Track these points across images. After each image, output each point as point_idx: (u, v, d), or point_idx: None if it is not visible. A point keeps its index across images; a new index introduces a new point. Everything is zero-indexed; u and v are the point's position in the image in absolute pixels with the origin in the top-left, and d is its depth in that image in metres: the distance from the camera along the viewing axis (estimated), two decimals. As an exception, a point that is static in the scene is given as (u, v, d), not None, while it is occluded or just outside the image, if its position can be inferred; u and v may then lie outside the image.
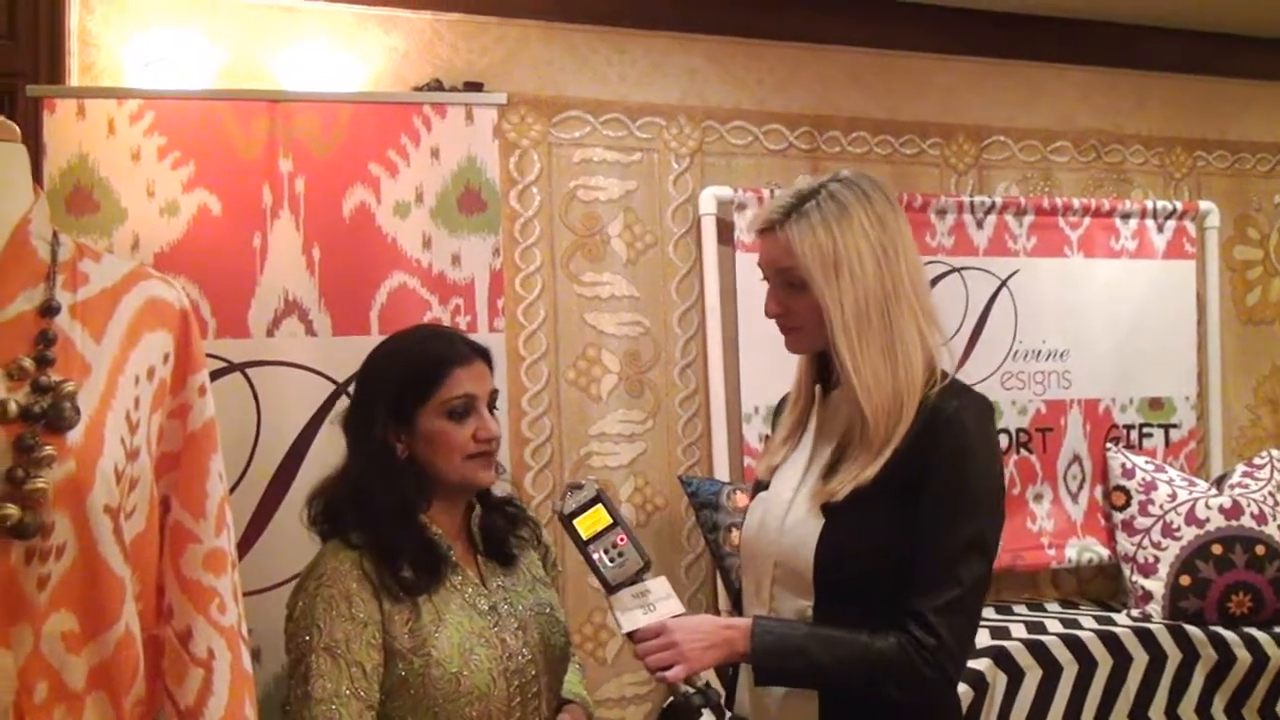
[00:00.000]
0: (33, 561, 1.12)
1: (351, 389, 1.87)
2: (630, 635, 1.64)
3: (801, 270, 1.64)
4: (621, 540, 1.68)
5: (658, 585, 1.68)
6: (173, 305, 1.30)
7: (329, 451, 2.39)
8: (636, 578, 1.67)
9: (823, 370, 1.75)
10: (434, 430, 1.71)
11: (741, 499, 3.01)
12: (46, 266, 1.22)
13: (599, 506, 1.71)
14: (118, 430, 1.19)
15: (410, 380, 1.72)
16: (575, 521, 1.70)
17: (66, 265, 1.24)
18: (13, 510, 1.09)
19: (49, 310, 1.19)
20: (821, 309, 1.63)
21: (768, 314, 1.74)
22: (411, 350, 1.78)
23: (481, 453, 1.74)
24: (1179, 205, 3.72)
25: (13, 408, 1.12)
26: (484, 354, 1.79)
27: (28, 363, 1.15)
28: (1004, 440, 3.47)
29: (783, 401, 1.89)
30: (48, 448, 1.12)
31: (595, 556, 1.67)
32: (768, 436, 1.94)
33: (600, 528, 1.69)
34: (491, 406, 1.78)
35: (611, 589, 1.67)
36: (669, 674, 1.59)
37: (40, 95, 2.39)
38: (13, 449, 1.11)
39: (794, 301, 1.68)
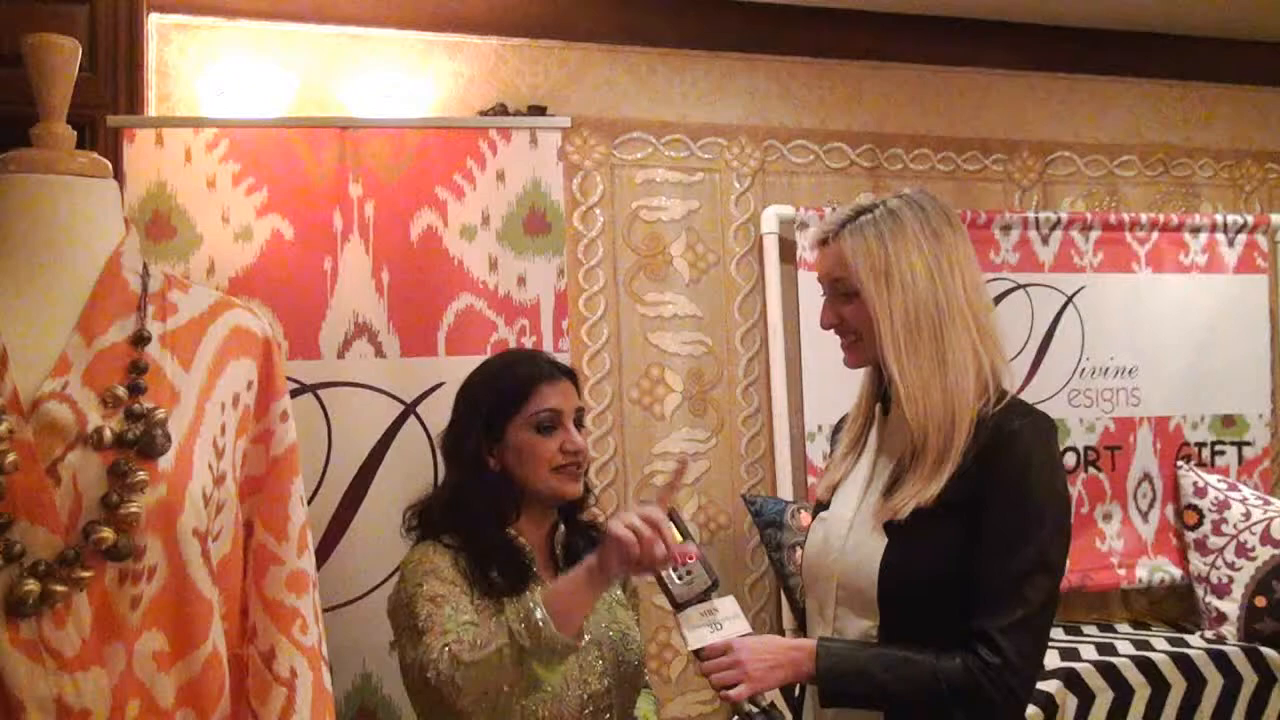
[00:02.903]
0: (125, 583, 1.15)
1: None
2: (696, 653, 1.65)
3: (853, 279, 1.66)
4: (691, 558, 1.69)
5: (725, 604, 1.69)
6: (256, 334, 1.33)
7: (398, 471, 2.45)
8: (704, 596, 1.68)
9: (883, 388, 1.76)
10: (522, 443, 1.80)
11: (805, 518, 3.01)
12: (137, 297, 1.25)
13: (670, 525, 1.73)
14: (205, 456, 1.22)
15: (500, 397, 1.83)
16: None
17: (156, 296, 1.27)
18: (108, 534, 1.13)
19: (140, 340, 1.22)
20: (871, 318, 1.65)
21: (823, 325, 1.76)
22: (501, 371, 1.89)
23: (567, 465, 1.81)
24: (1250, 219, 3.66)
25: (108, 435, 1.15)
26: (570, 374, 1.90)
27: (121, 391, 1.18)
28: (1072, 458, 3.44)
29: (841, 421, 1.90)
30: (140, 473, 1.15)
31: (664, 574, 1.68)
32: (829, 455, 1.95)
33: None
34: (579, 423, 1.87)
35: (679, 606, 1.68)
36: (733, 693, 1.60)
37: (120, 125, 2.45)
38: (108, 475, 1.14)
39: (847, 312, 1.70)
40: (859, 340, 1.71)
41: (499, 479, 1.81)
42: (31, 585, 1.11)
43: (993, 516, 1.58)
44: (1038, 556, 1.57)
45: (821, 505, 1.82)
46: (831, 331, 1.77)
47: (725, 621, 1.67)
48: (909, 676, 1.58)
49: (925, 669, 1.57)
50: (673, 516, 1.74)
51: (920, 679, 1.57)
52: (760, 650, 1.64)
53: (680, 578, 1.68)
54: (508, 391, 1.83)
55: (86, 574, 1.13)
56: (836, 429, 1.93)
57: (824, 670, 1.61)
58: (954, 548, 1.59)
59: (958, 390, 1.62)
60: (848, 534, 1.70)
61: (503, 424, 1.81)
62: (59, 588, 1.12)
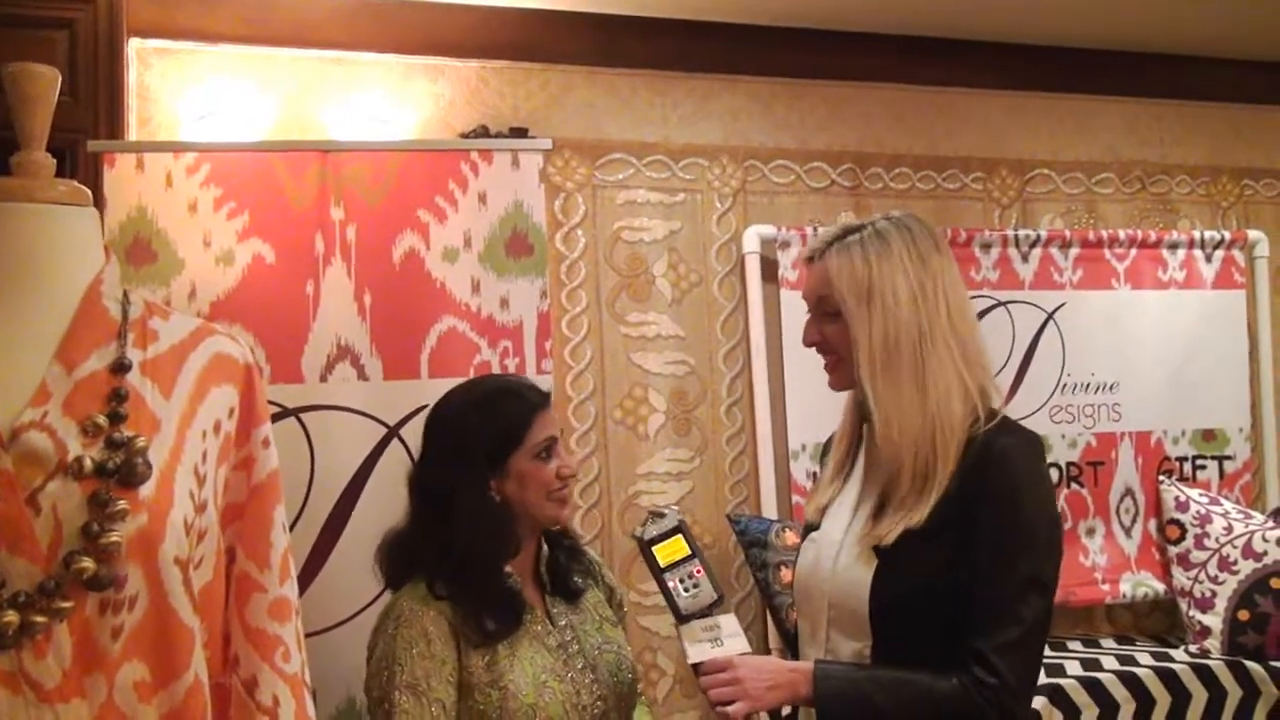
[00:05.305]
0: (106, 612, 1.15)
1: (424, 446, 1.91)
2: (696, 667, 1.67)
3: (836, 298, 1.68)
4: (698, 572, 1.71)
5: (728, 621, 1.71)
6: (238, 360, 1.33)
7: (382, 495, 2.44)
8: (708, 611, 1.71)
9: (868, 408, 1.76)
10: (525, 472, 1.80)
11: (790, 537, 3.01)
12: (117, 325, 1.25)
13: (679, 536, 1.76)
14: (187, 484, 1.22)
15: (503, 429, 1.81)
16: (654, 548, 1.75)
17: (136, 323, 1.27)
18: (88, 563, 1.12)
19: (120, 368, 1.22)
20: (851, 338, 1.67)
21: (805, 342, 1.78)
22: (495, 401, 1.87)
23: (562, 489, 1.84)
24: (1227, 235, 3.69)
25: (88, 464, 1.15)
26: (548, 399, 1.90)
27: (101, 419, 1.18)
28: (1054, 474, 3.44)
29: (830, 440, 1.90)
30: (121, 502, 1.15)
31: (670, 585, 1.71)
32: (816, 474, 1.96)
33: (678, 557, 1.74)
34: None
35: (683, 619, 1.70)
36: (730, 709, 1.61)
37: (100, 150, 2.44)
38: (88, 504, 1.14)
39: (829, 331, 1.71)
40: (841, 361, 1.72)
41: (504, 511, 1.80)
42: (11, 616, 1.10)
43: (984, 536, 1.58)
44: (1031, 575, 1.58)
45: (811, 527, 1.82)
46: (814, 351, 1.78)
47: (726, 638, 1.69)
48: (906, 698, 1.58)
49: (922, 690, 1.57)
50: (681, 529, 1.76)
51: (917, 700, 1.58)
52: (759, 669, 1.65)
53: (686, 590, 1.71)
54: (510, 422, 1.82)
55: (67, 604, 1.13)
56: (825, 448, 1.93)
57: (821, 693, 1.61)
58: (944, 568, 1.59)
59: (941, 414, 1.62)
60: (837, 556, 1.71)
61: (507, 456, 1.80)
62: (39, 618, 1.11)
